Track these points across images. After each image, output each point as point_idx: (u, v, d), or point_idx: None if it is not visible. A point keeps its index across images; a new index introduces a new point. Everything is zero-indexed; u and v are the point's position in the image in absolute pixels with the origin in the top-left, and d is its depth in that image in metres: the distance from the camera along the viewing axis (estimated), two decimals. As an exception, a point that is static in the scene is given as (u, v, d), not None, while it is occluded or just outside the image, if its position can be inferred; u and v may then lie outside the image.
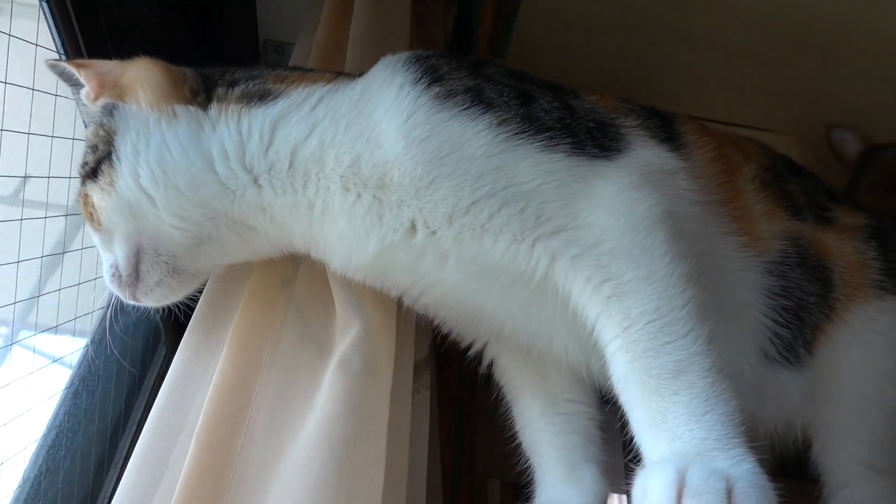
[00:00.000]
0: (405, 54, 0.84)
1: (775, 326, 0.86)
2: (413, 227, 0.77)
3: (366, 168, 0.76)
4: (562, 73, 1.65)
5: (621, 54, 1.60)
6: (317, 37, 1.08)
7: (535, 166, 0.73)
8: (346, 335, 0.77)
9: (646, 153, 0.77)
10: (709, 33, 1.54)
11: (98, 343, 1.17)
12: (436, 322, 0.91)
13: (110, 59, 0.87)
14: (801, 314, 0.87)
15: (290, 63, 1.17)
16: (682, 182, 0.81)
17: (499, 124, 0.74)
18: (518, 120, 0.75)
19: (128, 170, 0.79)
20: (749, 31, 1.53)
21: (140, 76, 0.83)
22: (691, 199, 0.82)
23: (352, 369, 0.73)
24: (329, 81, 0.84)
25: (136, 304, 0.84)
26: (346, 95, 0.81)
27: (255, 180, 0.79)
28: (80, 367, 1.19)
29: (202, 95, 0.83)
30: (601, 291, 0.71)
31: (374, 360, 0.76)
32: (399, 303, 0.87)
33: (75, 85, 0.86)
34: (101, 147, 0.81)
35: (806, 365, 0.88)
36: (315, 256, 0.84)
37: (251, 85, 0.83)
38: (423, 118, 0.74)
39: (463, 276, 0.78)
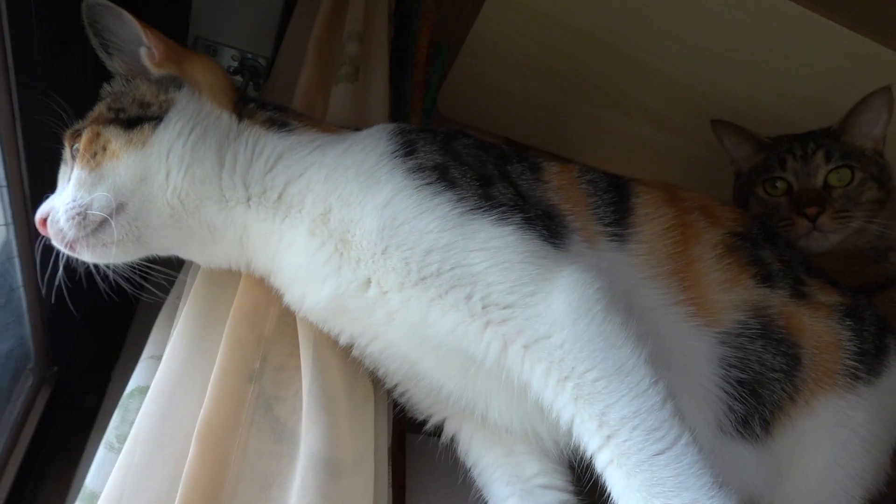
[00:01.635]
0: (392, 126, 0.89)
1: (728, 399, 0.84)
2: (368, 282, 0.78)
3: (333, 220, 0.80)
4: (494, 110, 1.66)
5: (554, 104, 1.62)
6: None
7: (485, 241, 0.73)
8: (311, 435, 0.68)
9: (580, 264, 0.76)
10: (639, 99, 1.59)
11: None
12: (380, 374, 0.87)
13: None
14: (758, 389, 0.85)
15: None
16: (624, 266, 0.83)
17: (456, 202, 0.76)
18: (475, 198, 0.77)
19: (167, 141, 0.82)
20: (675, 104, 1.60)
21: (207, 71, 0.91)
22: (643, 273, 0.84)
23: (320, 474, 0.65)
24: (333, 132, 0.90)
25: (68, 251, 0.81)
26: (335, 148, 0.86)
27: (248, 199, 0.84)
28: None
29: (239, 108, 0.90)
30: (565, 391, 0.68)
31: (342, 461, 0.68)
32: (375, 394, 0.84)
33: (109, 40, 0.88)
34: (153, 109, 0.85)
35: (765, 443, 0.86)
36: (271, 283, 0.86)
37: (276, 114, 0.90)
38: (389, 188, 0.78)
39: (407, 336, 0.78)
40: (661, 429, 0.64)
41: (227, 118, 0.87)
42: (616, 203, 0.87)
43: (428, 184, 0.78)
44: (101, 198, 0.79)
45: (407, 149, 0.83)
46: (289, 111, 0.93)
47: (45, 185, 0.89)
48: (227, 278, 0.90)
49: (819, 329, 0.89)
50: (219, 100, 0.88)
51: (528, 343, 0.70)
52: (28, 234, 0.93)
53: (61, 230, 0.79)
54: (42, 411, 1.17)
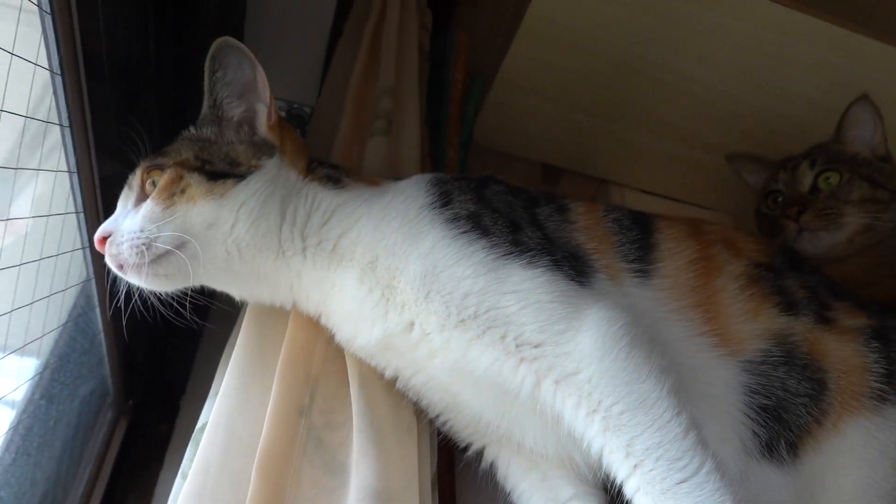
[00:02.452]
0: (428, 177, 0.97)
1: (752, 424, 0.87)
2: (412, 324, 0.84)
3: (381, 268, 0.86)
4: (530, 137, 1.71)
5: (586, 128, 1.66)
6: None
7: (517, 284, 0.79)
8: (362, 468, 0.75)
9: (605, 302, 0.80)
10: (668, 118, 1.62)
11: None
12: (423, 405, 0.93)
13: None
14: (782, 414, 0.87)
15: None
16: (648, 301, 0.87)
17: (489, 248, 0.83)
18: (506, 244, 0.83)
19: (243, 196, 0.89)
20: (702, 120, 1.62)
21: (294, 140, 0.99)
22: (666, 307, 0.88)
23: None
24: (377, 185, 0.98)
25: (117, 270, 0.88)
26: (380, 200, 0.93)
27: (304, 249, 0.91)
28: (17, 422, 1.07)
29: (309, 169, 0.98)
30: (593, 423, 0.73)
31: (392, 490, 0.75)
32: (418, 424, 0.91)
33: (221, 80, 0.94)
34: (242, 169, 0.91)
35: (793, 466, 0.87)
36: (320, 322, 0.93)
37: (332, 171, 0.98)
38: (430, 238, 0.85)
39: (448, 371, 0.84)
40: (683, 458, 0.69)
41: (295, 178, 0.94)
42: (640, 240, 0.92)
43: (464, 232, 0.84)
44: (169, 237, 0.84)
45: (443, 200, 0.90)
46: (340, 168, 1.00)
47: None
48: (276, 314, 0.97)
49: (844, 354, 0.90)
50: (296, 165, 0.95)
51: (559, 379, 0.75)
52: (104, 287, 1.04)
53: (120, 254, 0.85)
54: (121, 441, 1.28)
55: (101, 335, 1.10)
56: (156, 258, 0.84)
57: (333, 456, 0.82)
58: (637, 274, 0.89)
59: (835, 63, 1.49)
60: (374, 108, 1.14)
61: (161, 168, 0.90)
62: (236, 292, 0.96)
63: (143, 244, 0.84)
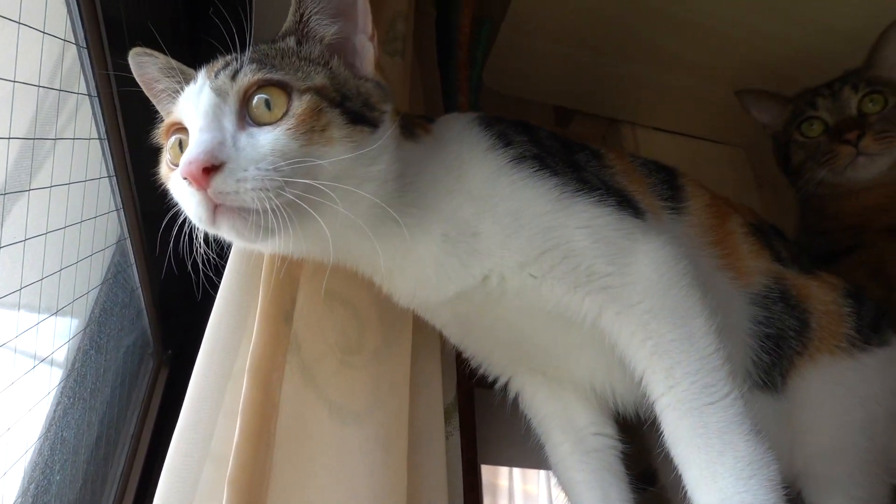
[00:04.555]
0: (473, 116, 0.93)
1: (759, 351, 0.97)
2: (488, 277, 0.84)
3: (465, 218, 0.84)
4: (540, 80, 1.72)
5: (596, 67, 1.66)
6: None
7: (590, 220, 0.83)
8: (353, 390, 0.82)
9: (665, 238, 0.86)
10: (679, 52, 1.62)
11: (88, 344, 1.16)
12: (466, 356, 0.99)
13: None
14: (780, 344, 0.98)
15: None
16: (683, 236, 0.93)
17: (562, 185, 0.84)
18: (575, 182, 0.85)
19: (374, 155, 0.76)
20: (716, 54, 1.62)
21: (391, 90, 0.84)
22: (695, 242, 0.96)
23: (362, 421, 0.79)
24: (431, 132, 0.91)
25: (210, 212, 0.68)
26: (446, 150, 0.88)
27: (404, 216, 0.80)
28: (71, 370, 1.17)
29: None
30: (644, 348, 0.79)
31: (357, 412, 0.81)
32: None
33: (309, 36, 0.79)
34: (374, 115, 0.78)
35: (782, 394, 0.98)
36: (375, 280, 0.88)
37: (404, 121, 0.85)
38: (508, 179, 0.84)
39: (513, 312, 0.87)
40: (716, 385, 0.75)
41: (398, 134, 0.82)
42: (668, 181, 1.00)
43: (535, 171, 0.84)
44: (302, 185, 0.69)
45: (503, 140, 0.87)
46: (405, 116, 0.88)
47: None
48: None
49: (825, 299, 1.02)
50: (393, 118, 0.81)
51: (621, 310, 0.80)
52: (140, 244, 1.10)
53: (239, 194, 0.66)
54: (163, 388, 1.37)
55: (139, 290, 1.17)
56: (278, 207, 0.67)
57: (314, 371, 0.85)
58: (672, 211, 0.96)
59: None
60: (390, 29, 1.12)
61: (284, 88, 0.72)
62: (321, 251, 0.80)
63: (278, 187, 0.67)
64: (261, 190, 0.66)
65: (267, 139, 0.69)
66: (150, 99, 0.85)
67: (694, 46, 1.61)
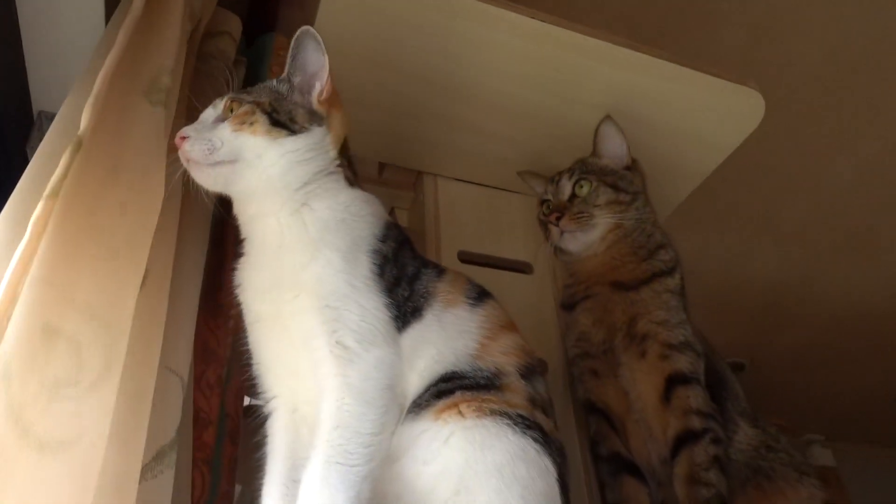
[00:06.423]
0: (386, 219, 1.25)
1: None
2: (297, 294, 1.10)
3: (305, 239, 1.15)
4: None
5: (397, 130, 1.82)
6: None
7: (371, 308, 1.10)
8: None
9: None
10: (468, 118, 1.80)
11: None
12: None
13: None
14: None
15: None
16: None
17: (375, 279, 1.12)
18: (388, 290, 1.12)
19: (286, 148, 1.15)
20: (502, 119, 1.81)
21: (343, 122, 1.26)
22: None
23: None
24: (353, 185, 1.27)
25: (185, 164, 1.14)
26: (349, 197, 1.23)
27: (294, 213, 1.16)
28: None
29: (342, 154, 1.26)
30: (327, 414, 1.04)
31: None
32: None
33: (297, 58, 1.23)
34: (295, 127, 1.17)
35: None
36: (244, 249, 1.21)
37: (351, 173, 1.27)
38: (354, 252, 1.15)
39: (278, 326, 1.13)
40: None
41: (333, 156, 1.21)
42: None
43: (375, 264, 1.14)
44: (228, 152, 1.12)
45: (384, 235, 1.18)
46: (357, 174, 1.28)
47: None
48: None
49: None
50: (335, 144, 1.22)
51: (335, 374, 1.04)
52: None
53: (192, 151, 1.12)
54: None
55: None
56: (214, 163, 1.12)
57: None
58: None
59: (606, 74, 1.70)
60: (150, 81, 1.21)
61: (242, 102, 1.17)
62: (239, 207, 1.22)
63: (210, 150, 1.11)
64: (202, 150, 1.12)
65: (220, 127, 1.15)
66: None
67: (479, 113, 1.79)
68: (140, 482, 0.97)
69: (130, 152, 1.11)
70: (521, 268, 1.84)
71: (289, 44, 1.70)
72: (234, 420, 1.40)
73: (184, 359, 1.19)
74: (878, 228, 3.58)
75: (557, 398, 1.61)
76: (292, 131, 1.16)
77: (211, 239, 1.43)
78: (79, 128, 1.06)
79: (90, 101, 1.08)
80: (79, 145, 1.01)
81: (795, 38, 2.71)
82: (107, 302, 0.96)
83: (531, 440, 1.03)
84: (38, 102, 1.40)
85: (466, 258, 1.78)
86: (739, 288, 3.98)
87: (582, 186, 1.63)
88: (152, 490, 1.00)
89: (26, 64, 1.36)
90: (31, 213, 0.95)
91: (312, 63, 1.22)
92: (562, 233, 1.60)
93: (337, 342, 1.03)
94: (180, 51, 1.33)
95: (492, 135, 1.85)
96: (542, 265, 1.84)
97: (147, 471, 1.01)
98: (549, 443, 1.06)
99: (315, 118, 1.20)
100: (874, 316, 4.12)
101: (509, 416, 1.03)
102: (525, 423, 1.04)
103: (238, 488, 1.37)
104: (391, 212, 2.01)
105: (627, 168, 1.68)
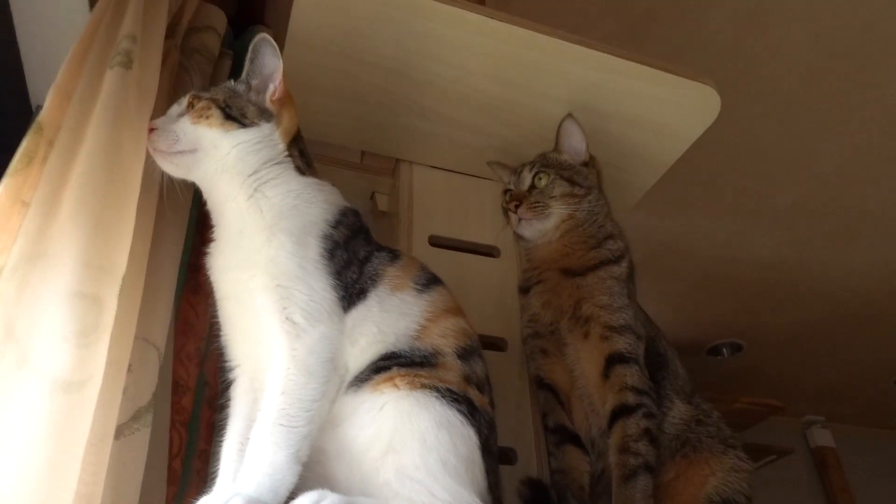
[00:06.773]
0: (346, 205, 1.39)
1: None
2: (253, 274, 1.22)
3: (260, 225, 1.28)
4: (331, 127, 1.96)
5: (375, 120, 1.93)
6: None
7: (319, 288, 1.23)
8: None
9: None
10: (437, 109, 1.90)
11: None
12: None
13: None
14: None
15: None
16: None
17: (326, 262, 1.25)
18: (336, 272, 1.24)
19: (237, 139, 1.30)
20: (471, 111, 1.91)
21: (292, 119, 1.41)
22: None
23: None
24: (304, 174, 1.41)
25: (152, 152, 1.29)
26: (301, 185, 1.37)
27: (248, 198, 1.30)
28: None
29: (292, 146, 1.40)
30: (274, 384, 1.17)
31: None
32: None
33: (255, 61, 1.39)
34: (245, 121, 1.32)
35: None
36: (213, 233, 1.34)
37: (302, 162, 1.41)
38: (305, 237, 1.28)
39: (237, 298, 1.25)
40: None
41: (281, 148, 1.35)
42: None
43: (325, 249, 1.26)
44: (188, 141, 1.28)
45: (335, 223, 1.31)
46: (310, 163, 1.42)
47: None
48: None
49: None
50: (284, 139, 1.36)
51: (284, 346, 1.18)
52: None
53: (157, 141, 1.27)
54: None
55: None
56: (176, 152, 1.28)
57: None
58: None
59: (567, 70, 1.79)
60: (113, 47, 1.38)
61: (201, 98, 1.32)
62: (206, 195, 1.37)
63: (173, 140, 1.27)
64: (165, 140, 1.28)
65: (181, 120, 1.30)
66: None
67: (450, 104, 1.89)
68: (118, 438, 1.15)
69: (94, 120, 1.27)
70: (489, 251, 1.96)
71: (274, 35, 1.87)
72: (213, 387, 1.56)
73: (160, 332, 1.34)
74: (871, 210, 3.61)
75: (518, 373, 1.76)
76: (243, 125, 1.30)
77: (196, 225, 1.58)
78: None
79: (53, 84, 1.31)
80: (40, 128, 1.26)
81: (783, 24, 2.75)
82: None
83: (456, 411, 1.14)
84: (36, 97, 1.53)
85: (437, 242, 1.90)
86: (736, 269, 4.06)
87: (541, 178, 1.76)
88: (130, 445, 1.17)
89: (23, 60, 1.50)
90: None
91: (268, 66, 1.37)
92: (520, 220, 1.75)
93: (287, 318, 1.15)
94: (148, 19, 1.47)
95: (462, 125, 1.95)
96: (508, 250, 1.96)
97: (125, 428, 1.18)
98: (475, 415, 1.17)
99: (265, 115, 1.34)
100: (869, 297, 4.17)
101: (438, 390, 1.15)
102: (452, 397, 1.17)
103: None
104: (371, 196, 2.14)
105: (585, 164, 1.82)
